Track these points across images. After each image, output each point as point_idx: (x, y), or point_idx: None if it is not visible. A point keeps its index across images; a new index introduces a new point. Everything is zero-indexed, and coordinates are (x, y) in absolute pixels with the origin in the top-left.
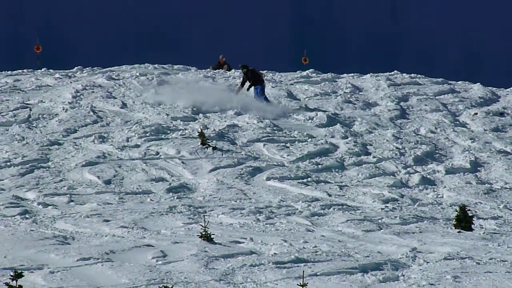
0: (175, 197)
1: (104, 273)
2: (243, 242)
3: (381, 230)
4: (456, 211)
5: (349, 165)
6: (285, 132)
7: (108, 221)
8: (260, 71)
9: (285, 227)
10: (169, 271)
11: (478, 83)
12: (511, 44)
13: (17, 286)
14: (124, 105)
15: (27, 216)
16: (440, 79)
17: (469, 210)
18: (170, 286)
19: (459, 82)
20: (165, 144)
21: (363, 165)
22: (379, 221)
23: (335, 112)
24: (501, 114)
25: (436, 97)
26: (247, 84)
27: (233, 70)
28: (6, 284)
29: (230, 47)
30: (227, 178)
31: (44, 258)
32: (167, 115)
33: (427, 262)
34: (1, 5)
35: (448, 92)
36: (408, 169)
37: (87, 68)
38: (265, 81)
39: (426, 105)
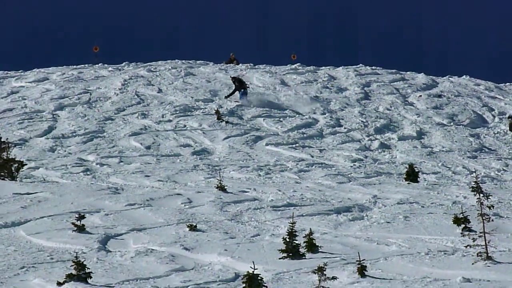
0: (198, 158)
1: (145, 215)
2: (248, 191)
3: (350, 182)
4: (406, 168)
5: (327, 134)
6: (279, 110)
7: (148, 176)
8: (245, 81)
9: (279, 180)
10: (194, 213)
11: (422, 73)
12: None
13: (81, 224)
14: (160, 91)
15: (88, 173)
16: (394, 70)
17: (415, 167)
18: (194, 224)
19: (408, 72)
20: (190, 119)
21: (337, 134)
22: (349, 175)
23: (316, 95)
24: (439, 96)
25: (391, 84)
26: (236, 93)
27: (240, 64)
28: (73, 223)
29: (238, 44)
30: (236, 144)
31: (100, 204)
32: (192, 97)
33: (385, 206)
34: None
35: (400, 80)
36: (370, 137)
37: (132, 63)
38: (247, 88)
39: (383, 89)
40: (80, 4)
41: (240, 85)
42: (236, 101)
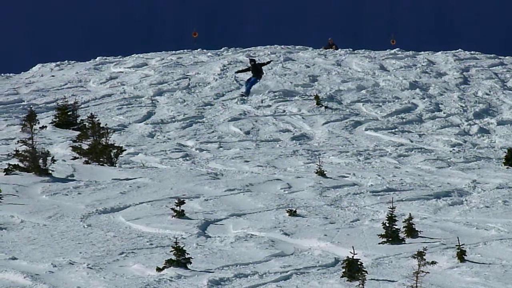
0: (297, 144)
1: (245, 200)
2: (348, 177)
3: (450, 167)
4: (505, 152)
5: (426, 119)
6: (378, 95)
7: (247, 161)
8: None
9: (379, 165)
10: (293, 198)
11: None
12: None
13: (181, 210)
14: None
15: (187, 158)
16: (493, 55)
17: None
18: (294, 209)
19: (507, 57)
20: (289, 104)
21: (436, 119)
22: (448, 160)
23: (415, 80)
24: None
25: (490, 68)
26: (248, 73)
27: (339, 49)
28: (172, 209)
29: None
30: (335, 129)
31: (200, 190)
32: (291, 82)
33: (484, 190)
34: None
35: (499, 65)
36: (469, 121)
37: (232, 49)
38: (262, 77)
39: (482, 74)
40: None
41: (256, 71)
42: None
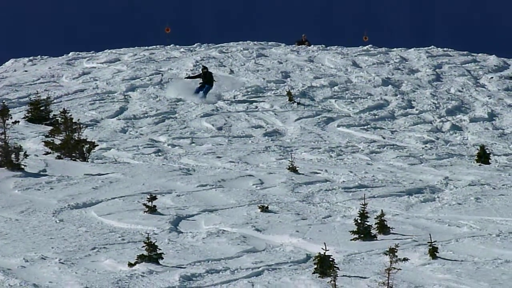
0: (270, 140)
1: (217, 196)
2: (320, 173)
3: (422, 164)
4: (477, 149)
5: (398, 115)
6: (351, 91)
7: (220, 157)
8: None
9: (351, 161)
10: (265, 194)
11: (494, 55)
12: None
13: (152, 206)
14: (231, 72)
15: (159, 154)
16: (466, 52)
17: (487, 148)
18: (266, 205)
19: (479, 54)
20: (262, 100)
21: (408, 116)
22: (420, 157)
23: (387, 76)
24: (511, 78)
25: (462, 65)
26: (198, 80)
27: (312, 45)
28: (144, 204)
29: (310, 25)
30: (308, 125)
31: (172, 185)
32: (264, 79)
33: (456, 187)
34: None
35: (471, 62)
36: (441, 118)
37: (204, 44)
38: (214, 84)
39: (455, 71)
40: None
41: (208, 79)
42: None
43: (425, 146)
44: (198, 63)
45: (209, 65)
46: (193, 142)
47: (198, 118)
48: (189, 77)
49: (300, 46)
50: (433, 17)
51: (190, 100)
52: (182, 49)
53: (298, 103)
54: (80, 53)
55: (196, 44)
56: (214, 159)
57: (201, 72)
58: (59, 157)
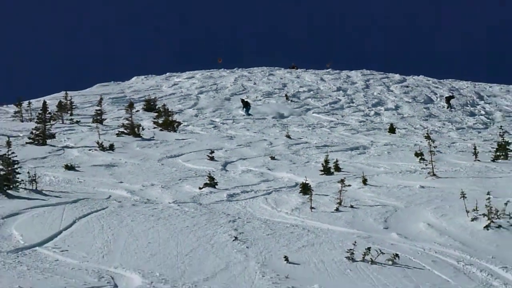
0: (275, 120)
1: (247, 151)
2: (302, 138)
3: (358, 133)
4: (389, 125)
5: (345, 107)
6: (320, 94)
7: (248, 130)
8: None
9: (319, 132)
10: (273, 150)
11: (397, 74)
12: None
13: (212, 156)
14: (254, 83)
15: (215, 127)
16: (382, 72)
17: (394, 125)
18: (273, 156)
19: (390, 73)
20: (271, 98)
21: (351, 107)
22: (357, 129)
23: (339, 86)
24: (407, 87)
25: (381, 79)
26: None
27: (299, 69)
28: (207, 155)
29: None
30: (295, 112)
31: (222, 145)
32: (272, 87)
33: (377, 146)
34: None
35: (385, 78)
36: (369, 109)
37: (240, 68)
38: (249, 106)
39: (376, 82)
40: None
41: (244, 104)
42: (243, 114)
43: (360, 123)
44: (236, 79)
45: (242, 80)
46: (234, 121)
47: (236, 108)
48: (243, 108)
49: (292, 69)
50: (366, 49)
51: (242, 113)
52: (227, 71)
53: (291, 101)
54: (172, 73)
55: (235, 68)
56: (245, 131)
57: (242, 101)
58: (161, 130)
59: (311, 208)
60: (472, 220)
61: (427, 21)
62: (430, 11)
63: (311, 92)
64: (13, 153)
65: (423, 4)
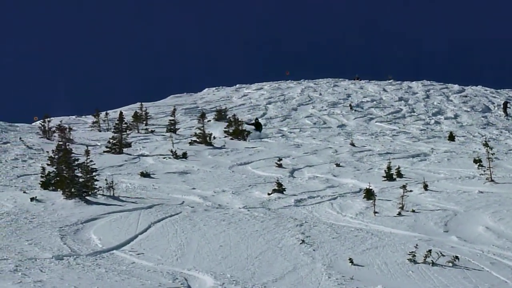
0: (340, 129)
1: (313, 158)
2: (366, 146)
3: (419, 141)
4: (448, 134)
5: (407, 116)
6: (382, 104)
7: (314, 138)
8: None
9: (382, 140)
10: (338, 157)
11: (457, 84)
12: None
13: (280, 163)
14: (320, 94)
15: (283, 136)
16: (442, 82)
17: (453, 133)
18: (339, 163)
19: (449, 83)
20: (336, 108)
21: (412, 116)
22: (418, 137)
23: (400, 96)
24: (465, 96)
25: (440, 90)
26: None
27: (362, 80)
28: (275, 163)
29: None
30: (359, 121)
31: (290, 153)
32: (337, 97)
33: (437, 153)
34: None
35: (445, 88)
36: (429, 118)
37: (306, 80)
38: (260, 128)
39: (436, 93)
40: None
41: (256, 126)
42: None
43: (421, 132)
44: (303, 90)
45: (308, 90)
46: (301, 131)
47: (303, 118)
48: (251, 124)
49: (355, 80)
50: (422, 59)
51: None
52: (294, 82)
53: (354, 110)
54: (242, 84)
55: (301, 80)
56: (311, 139)
57: (255, 122)
58: (231, 139)
59: (375, 212)
60: None
61: (484, 32)
62: (487, 21)
63: (374, 102)
64: (91, 161)
65: (480, 14)
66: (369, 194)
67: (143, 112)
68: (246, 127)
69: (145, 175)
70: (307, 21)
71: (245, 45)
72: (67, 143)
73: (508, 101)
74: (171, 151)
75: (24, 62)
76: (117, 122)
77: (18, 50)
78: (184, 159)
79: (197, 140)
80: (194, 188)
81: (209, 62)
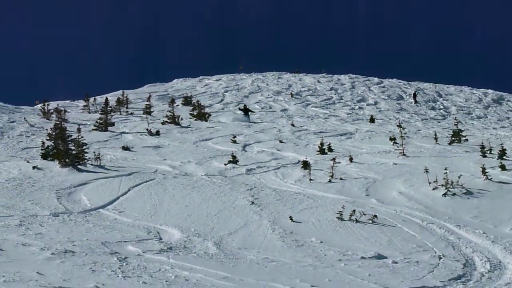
0: (284, 114)
1: (261, 135)
2: (304, 126)
3: (346, 123)
4: (369, 117)
5: (336, 102)
6: (316, 93)
7: (265, 118)
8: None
9: (317, 121)
10: (281, 135)
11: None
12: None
13: (234, 140)
14: (267, 84)
15: (241, 111)
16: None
17: (373, 116)
18: (281, 140)
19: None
20: (279, 97)
21: (341, 102)
22: (345, 120)
23: (331, 87)
24: (383, 86)
25: (364, 81)
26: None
27: (299, 73)
28: (231, 139)
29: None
30: (298, 106)
31: (242, 131)
32: (281, 87)
33: (360, 132)
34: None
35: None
36: (355, 104)
37: (257, 73)
38: (251, 112)
39: (362, 86)
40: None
41: (245, 111)
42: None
43: (347, 115)
44: (253, 81)
45: (257, 82)
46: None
47: (253, 103)
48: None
49: (295, 74)
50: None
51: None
52: (246, 75)
53: (295, 98)
54: (204, 76)
55: (252, 72)
56: (259, 121)
57: (243, 107)
58: (195, 120)
59: (310, 179)
60: (433, 189)
61: (396, 20)
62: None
63: (310, 91)
64: (82, 137)
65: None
66: (305, 165)
67: (125, 98)
68: (237, 112)
69: (125, 148)
70: (260, 23)
71: (206, 43)
72: (62, 123)
73: (417, 91)
74: (147, 129)
75: (29, 53)
76: (103, 105)
77: (20, 47)
78: (157, 136)
79: (168, 120)
80: (165, 159)
81: (179, 56)
